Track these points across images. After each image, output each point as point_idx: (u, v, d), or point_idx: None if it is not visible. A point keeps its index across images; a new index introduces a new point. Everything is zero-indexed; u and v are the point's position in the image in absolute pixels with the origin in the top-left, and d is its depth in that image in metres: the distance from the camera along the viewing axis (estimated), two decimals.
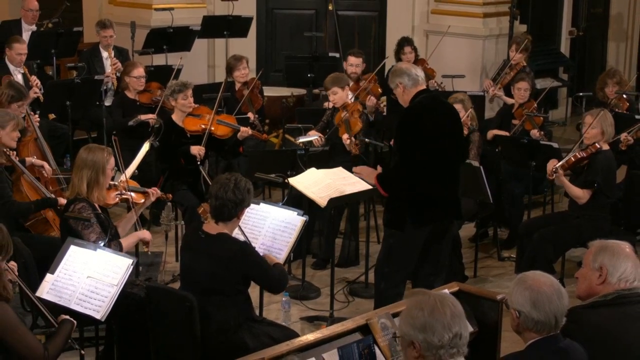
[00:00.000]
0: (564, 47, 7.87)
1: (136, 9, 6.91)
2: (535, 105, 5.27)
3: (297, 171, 4.40)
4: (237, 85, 5.70)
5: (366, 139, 5.02)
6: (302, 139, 4.81)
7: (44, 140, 4.65)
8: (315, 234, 4.80)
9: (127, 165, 4.04)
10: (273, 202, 3.85)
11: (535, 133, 5.09)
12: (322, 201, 3.90)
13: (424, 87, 3.67)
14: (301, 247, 4.29)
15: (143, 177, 4.39)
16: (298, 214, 3.51)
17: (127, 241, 3.59)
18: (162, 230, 4.72)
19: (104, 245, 3.30)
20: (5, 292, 2.76)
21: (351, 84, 5.47)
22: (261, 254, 3.25)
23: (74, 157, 3.65)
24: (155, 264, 4.53)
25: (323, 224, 4.70)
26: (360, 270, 4.61)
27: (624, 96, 5.39)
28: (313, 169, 4.23)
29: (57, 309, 3.07)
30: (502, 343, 2.97)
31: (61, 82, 5.78)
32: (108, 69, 5.98)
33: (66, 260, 3.17)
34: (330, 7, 7.27)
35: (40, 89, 5.39)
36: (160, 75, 5.70)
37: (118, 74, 5.80)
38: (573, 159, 4.31)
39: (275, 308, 4.09)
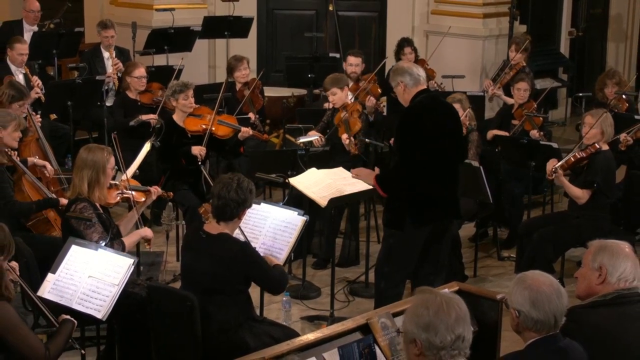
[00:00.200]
0: (564, 48, 7.88)
1: (137, 9, 6.92)
2: (535, 105, 5.28)
3: (298, 171, 4.41)
4: (238, 86, 5.71)
5: (366, 139, 5.03)
6: (302, 139, 4.82)
7: (46, 141, 4.66)
8: (316, 233, 4.81)
9: (128, 165, 4.05)
10: (274, 202, 3.87)
11: (534, 133, 5.10)
12: (323, 201, 3.91)
13: (425, 87, 3.68)
14: (302, 246, 4.29)
15: (144, 177, 4.40)
16: (298, 214, 3.52)
17: (129, 239, 3.60)
18: (163, 230, 4.73)
19: (105, 244, 3.31)
20: (7, 292, 2.77)
21: (351, 84, 5.48)
22: (261, 255, 3.26)
23: (75, 157, 3.66)
24: (156, 264, 4.54)
25: (323, 223, 4.71)
26: (361, 270, 4.62)
27: (624, 97, 5.40)
28: (313, 169, 4.24)
29: (58, 309, 3.08)
30: (501, 342, 2.97)
31: (62, 83, 5.79)
32: (109, 69, 5.99)
33: (67, 260, 3.18)
34: (330, 8, 7.27)
35: (41, 89, 5.40)
36: (161, 75, 5.72)
37: (119, 74, 5.81)
38: (573, 159, 4.32)
39: (276, 308, 4.10)
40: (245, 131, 4.97)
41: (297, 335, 3.00)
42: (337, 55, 6.39)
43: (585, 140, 4.35)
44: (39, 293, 3.14)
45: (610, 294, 2.47)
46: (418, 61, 6.12)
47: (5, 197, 3.93)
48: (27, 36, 6.13)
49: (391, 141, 4.07)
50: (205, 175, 4.77)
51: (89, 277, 3.10)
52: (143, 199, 3.86)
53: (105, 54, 6.08)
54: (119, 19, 6.45)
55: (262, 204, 3.59)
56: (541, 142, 4.79)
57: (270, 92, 6.18)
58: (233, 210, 3.08)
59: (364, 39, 7.33)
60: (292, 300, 4.04)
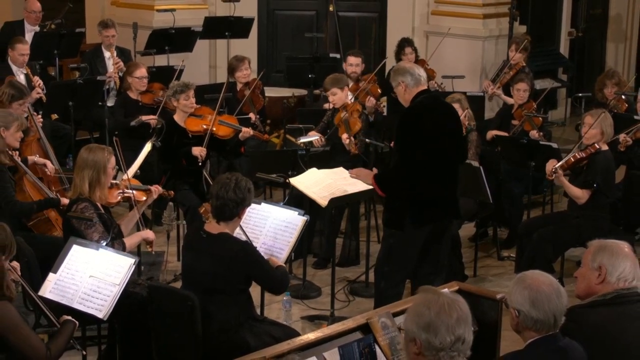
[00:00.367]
0: (563, 48, 7.89)
1: (138, 10, 6.93)
2: (535, 105, 5.29)
3: (298, 171, 4.42)
4: (239, 86, 5.72)
5: (366, 139, 5.05)
6: (302, 139, 4.83)
7: (47, 141, 4.67)
8: (316, 233, 4.82)
9: (129, 165, 4.06)
10: (274, 202, 3.87)
11: (534, 133, 5.11)
12: (323, 201, 3.92)
13: (426, 87, 3.69)
14: (302, 246, 4.30)
15: (145, 177, 4.41)
16: (299, 214, 3.52)
17: (130, 240, 3.61)
18: (164, 230, 4.73)
19: (106, 244, 3.32)
20: (8, 292, 2.77)
21: (351, 84, 5.49)
22: (264, 255, 3.27)
23: (76, 157, 3.67)
24: (157, 264, 4.55)
25: (324, 223, 4.72)
26: (361, 270, 4.62)
27: (623, 97, 5.41)
28: (314, 169, 4.25)
29: (59, 308, 3.09)
30: (501, 342, 2.97)
31: (64, 83, 5.80)
32: (110, 69, 6.00)
33: (69, 260, 3.18)
34: (330, 8, 7.28)
35: (42, 90, 5.41)
36: (162, 75, 5.72)
37: (120, 74, 5.82)
38: (572, 159, 4.33)
39: (277, 307, 4.11)
40: (246, 131, 4.98)
41: (297, 334, 3.01)
42: (338, 56, 6.41)
43: (584, 141, 4.36)
44: (40, 293, 3.14)
45: (609, 293, 2.47)
46: (418, 61, 6.13)
47: (7, 197, 3.94)
48: (29, 36, 6.14)
49: (392, 144, 4.08)
50: (206, 176, 4.79)
51: (90, 277, 3.11)
52: (144, 198, 3.87)
53: (107, 54, 6.09)
54: (120, 20, 6.46)
55: (263, 204, 3.60)
56: (541, 142, 4.79)
57: (270, 92, 6.19)
58: (232, 210, 3.09)
59: (364, 40, 7.34)
60: (293, 300, 4.05)
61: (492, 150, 5.20)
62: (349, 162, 4.68)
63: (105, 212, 3.58)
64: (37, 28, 6.41)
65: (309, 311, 4.21)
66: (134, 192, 3.80)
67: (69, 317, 2.91)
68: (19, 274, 3.01)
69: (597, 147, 4.28)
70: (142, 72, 5.49)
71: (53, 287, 3.15)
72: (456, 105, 4.52)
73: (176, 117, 4.86)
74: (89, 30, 6.92)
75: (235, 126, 4.97)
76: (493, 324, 2.95)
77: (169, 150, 4.75)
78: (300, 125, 5.18)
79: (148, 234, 3.67)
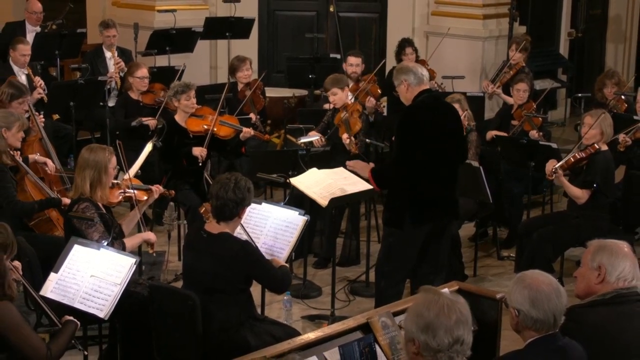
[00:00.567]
0: (563, 49, 7.90)
1: (139, 10, 6.94)
2: (534, 106, 5.30)
3: (299, 171, 4.43)
4: (240, 86, 5.73)
5: (367, 139, 5.06)
6: (303, 139, 4.84)
7: (49, 141, 4.68)
8: (317, 233, 4.83)
9: (130, 166, 4.07)
10: (275, 202, 3.88)
11: (534, 134, 5.12)
12: (324, 201, 3.93)
13: (428, 87, 3.70)
14: (302, 246, 4.31)
15: (146, 177, 4.42)
16: (299, 214, 3.53)
17: (131, 241, 3.62)
18: (164, 229, 4.75)
19: (107, 244, 3.33)
20: (10, 291, 2.78)
21: (351, 84, 5.50)
22: (266, 256, 3.27)
23: (78, 157, 3.68)
24: (158, 263, 4.56)
25: (324, 223, 4.73)
26: (361, 270, 4.63)
27: (623, 97, 5.42)
28: (314, 169, 4.26)
29: (61, 308, 3.10)
30: (501, 341, 2.99)
31: (65, 83, 5.80)
32: (111, 69, 6.01)
33: (70, 259, 3.19)
34: (331, 9, 7.29)
35: (44, 90, 5.42)
36: (163, 76, 5.73)
37: (122, 74, 5.83)
38: (572, 160, 4.34)
39: (277, 307, 4.12)
40: (247, 131, 4.99)
41: (298, 334, 3.02)
42: (338, 56, 6.42)
43: (584, 141, 4.37)
44: (42, 292, 3.15)
45: (609, 293, 2.48)
46: (418, 62, 6.13)
47: (8, 197, 3.95)
48: (30, 37, 6.16)
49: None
50: (206, 176, 4.80)
51: (91, 277, 3.12)
52: (145, 198, 3.88)
53: (108, 54, 6.10)
54: (121, 20, 6.47)
55: (264, 204, 3.61)
56: (540, 143, 4.80)
57: (271, 92, 6.20)
58: (232, 210, 3.10)
59: (364, 40, 7.35)
60: (293, 300, 4.06)
61: (492, 151, 5.20)
62: None
63: (106, 212, 3.59)
64: (39, 28, 6.42)
65: (309, 311, 4.22)
66: (135, 191, 3.81)
67: (71, 318, 2.92)
68: (21, 273, 3.02)
69: (597, 147, 4.29)
70: (143, 72, 5.50)
71: (54, 287, 3.16)
72: (456, 106, 4.52)
73: (177, 118, 4.87)
74: (90, 30, 6.93)
75: (236, 126, 4.98)
76: (493, 323, 2.96)
77: (170, 151, 4.77)
78: (301, 126, 5.19)
79: (149, 235, 3.67)
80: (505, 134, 5.27)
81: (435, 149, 3.61)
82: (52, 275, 3.19)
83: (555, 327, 2.30)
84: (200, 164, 4.76)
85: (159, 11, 6.83)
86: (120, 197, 3.80)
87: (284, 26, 7.43)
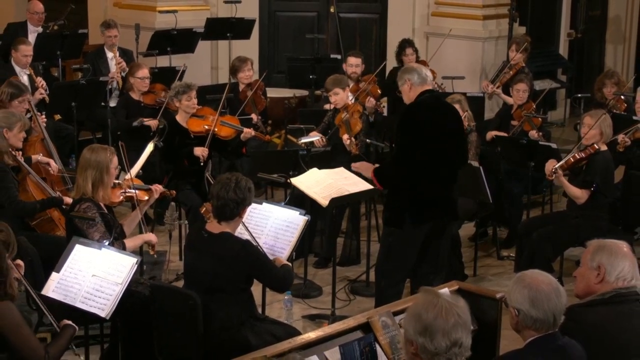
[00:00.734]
0: (563, 49, 7.91)
1: (140, 11, 6.95)
2: (534, 106, 5.31)
3: (299, 171, 4.44)
4: (241, 87, 5.74)
5: (367, 140, 5.07)
6: (304, 140, 4.85)
7: (50, 141, 4.69)
8: (317, 233, 4.84)
9: (132, 166, 4.08)
10: (275, 202, 3.90)
11: (533, 134, 5.13)
12: (324, 201, 3.95)
13: (430, 87, 3.72)
14: (303, 246, 4.32)
15: (147, 177, 4.43)
16: (300, 214, 3.54)
17: (132, 242, 3.63)
18: (166, 229, 4.77)
19: (108, 244, 3.34)
20: (11, 290, 2.78)
21: (351, 84, 5.51)
22: (269, 256, 3.28)
23: (79, 157, 3.70)
24: (159, 263, 4.57)
25: (325, 223, 4.74)
26: (362, 269, 4.65)
27: (622, 97, 5.43)
28: (315, 169, 4.27)
29: (62, 308, 3.11)
30: (501, 341, 3.00)
31: (66, 84, 5.81)
32: (113, 69, 6.02)
33: (71, 259, 3.20)
34: (331, 10, 7.31)
35: (45, 90, 5.43)
36: (164, 76, 5.74)
37: (123, 74, 5.85)
38: (572, 160, 4.35)
39: (278, 306, 4.13)
40: (248, 132, 5.00)
41: (298, 333, 3.03)
42: (339, 57, 6.42)
43: (584, 141, 4.38)
44: (43, 292, 3.16)
45: (608, 292, 2.48)
46: (419, 62, 6.15)
47: (10, 197, 3.96)
48: (32, 37, 6.17)
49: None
50: (207, 176, 4.81)
51: (93, 276, 3.12)
52: (146, 198, 3.89)
53: (109, 55, 6.12)
54: (122, 21, 6.48)
55: (264, 204, 3.62)
56: (540, 143, 4.81)
57: (272, 93, 6.20)
58: (233, 210, 3.11)
59: (364, 41, 7.36)
60: (294, 299, 4.07)
61: (492, 151, 5.22)
62: (350, 162, 4.69)
63: (108, 211, 3.61)
64: (40, 29, 6.44)
65: (310, 310, 4.24)
66: (137, 192, 3.82)
67: (69, 322, 2.92)
68: (22, 273, 3.02)
69: (597, 147, 4.30)
70: (144, 72, 5.51)
71: (56, 287, 3.16)
72: (457, 106, 4.54)
73: (178, 118, 4.89)
74: (91, 31, 6.94)
75: (237, 127, 5.00)
76: (493, 323, 2.97)
77: (171, 151, 4.78)
78: (302, 126, 5.20)
79: (150, 236, 3.68)
80: (505, 134, 5.28)
81: (435, 149, 3.62)
82: (54, 274, 3.20)
83: (554, 327, 2.31)
84: (202, 164, 4.78)
85: (160, 12, 6.84)
86: (122, 197, 3.82)
87: (285, 27, 7.44)
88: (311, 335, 2.67)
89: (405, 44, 6.21)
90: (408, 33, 6.91)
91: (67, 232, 3.60)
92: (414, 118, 3.64)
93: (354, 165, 3.91)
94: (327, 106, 5.41)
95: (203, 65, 7.01)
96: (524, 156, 4.80)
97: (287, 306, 3.97)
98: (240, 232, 3.26)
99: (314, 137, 4.96)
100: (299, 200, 4.37)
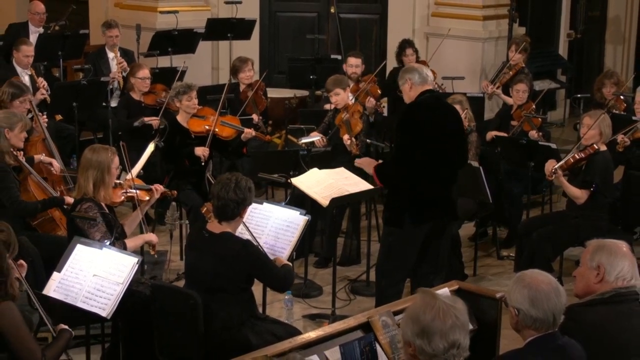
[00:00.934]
0: (562, 50, 7.92)
1: (141, 11, 6.96)
2: (534, 106, 5.32)
3: (300, 171, 4.45)
4: (242, 87, 5.75)
5: (367, 140, 5.08)
6: (304, 140, 4.86)
7: (52, 141, 4.70)
8: (318, 233, 4.85)
9: (132, 166, 4.09)
10: (276, 202, 3.90)
11: (533, 134, 5.14)
12: (324, 201, 3.96)
13: (431, 87, 3.73)
14: (303, 246, 4.33)
15: (148, 177, 4.43)
16: (300, 214, 3.55)
17: (133, 242, 3.63)
18: (167, 229, 4.78)
19: (109, 244, 3.35)
20: (12, 290, 2.79)
21: (351, 85, 5.52)
22: (269, 256, 3.29)
23: (81, 157, 3.70)
24: (160, 263, 4.58)
25: (325, 223, 4.75)
26: (362, 269, 4.66)
27: (622, 97, 5.43)
28: (315, 169, 4.28)
29: (64, 307, 3.12)
30: (501, 340, 3.01)
31: (68, 84, 5.82)
32: (114, 69, 6.03)
33: (73, 259, 3.21)
34: (332, 10, 7.32)
35: (47, 91, 5.44)
36: (165, 77, 5.75)
37: (124, 74, 5.86)
38: (572, 160, 4.36)
39: (278, 306, 4.14)
40: (248, 132, 5.00)
41: (299, 333, 3.04)
42: (339, 57, 6.43)
43: (583, 141, 4.38)
44: (45, 292, 3.17)
45: (608, 292, 2.49)
46: (419, 62, 6.16)
47: (12, 197, 3.96)
48: (33, 38, 6.18)
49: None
50: (208, 176, 4.82)
51: (94, 276, 3.13)
52: (147, 198, 3.90)
53: (110, 55, 6.12)
54: (123, 21, 6.49)
55: (265, 204, 3.63)
56: (540, 143, 4.82)
57: (272, 93, 6.21)
58: (233, 210, 3.12)
59: (365, 41, 7.37)
60: (294, 299, 4.07)
61: (491, 151, 5.22)
62: (350, 162, 4.71)
63: (109, 211, 3.62)
64: (41, 30, 6.45)
65: (310, 310, 4.24)
66: (137, 192, 3.83)
67: (66, 327, 2.92)
68: (24, 274, 3.03)
69: (596, 147, 4.31)
70: (144, 72, 5.52)
71: (57, 286, 3.17)
72: (458, 107, 4.55)
73: (179, 118, 4.89)
74: (92, 31, 6.95)
75: (238, 127, 5.00)
76: (493, 322, 2.97)
77: (172, 151, 4.79)
78: (302, 126, 5.21)
79: (151, 237, 3.69)
80: (505, 134, 5.29)
81: (435, 149, 3.63)
82: (55, 274, 3.21)
83: (554, 326, 2.31)
84: (203, 164, 4.79)
85: (161, 12, 6.85)
86: (123, 197, 3.82)
87: (285, 27, 7.45)
88: (311, 334, 2.68)
89: (406, 44, 6.22)
90: (408, 33, 6.92)
91: (69, 232, 3.61)
92: (414, 118, 3.65)
93: (357, 161, 3.92)
94: (327, 106, 5.42)
95: (204, 65, 7.02)
96: (523, 156, 4.81)
97: (288, 306, 3.97)
98: (241, 232, 3.27)
99: (315, 137, 4.97)
100: (299, 200, 4.38)
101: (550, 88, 7.09)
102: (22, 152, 4.22)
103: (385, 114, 5.95)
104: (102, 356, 3.48)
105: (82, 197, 3.56)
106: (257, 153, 5.16)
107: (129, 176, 3.85)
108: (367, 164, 3.83)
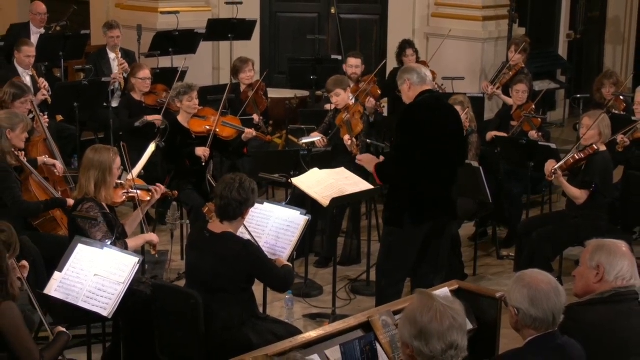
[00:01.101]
0: (562, 50, 7.93)
1: (142, 12, 6.97)
2: (534, 106, 5.33)
3: (300, 171, 4.46)
4: (243, 87, 5.76)
5: (368, 140, 5.09)
6: (305, 140, 4.87)
7: (53, 141, 4.72)
8: (318, 232, 4.86)
9: (133, 166, 4.10)
10: (277, 202, 3.91)
11: (533, 134, 5.15)
12: (325, 201, 3.97)
13: (430, 87, 3.73)
14: (304, 245, 4.34)
15: (149, 177, 4.44)
16: (301, 214, 3.56)
17: (134, 242, 3.63)
18: (168, 229, 4.78)
19: (110, 244, 3.36)
20: (13, 290, 2.80)
21: (351, 85, 5.54)
22: (269, 256, 3.30)
23: (82, 158, 3.71)
24: (161, 263, 4.59)
25: (325, 223, 4.76)
26: (362, 269, 4.66)
27: (621, 97, 5.44)
28: (316, 169, 4.29)
29: (65, 306, 3.13)
30: (501, 340, 3.01)
31: (69, 84, 5.84)
32: (115, 70, 6.04)
33: (74, 259, 3.22)
34: (332, 11, 7.33)
35: (48, 91, 5.44)
36: (165, 77, 5.75)
37: (125, 75, 5.87)
38: (571, 160, 4.37)
39: (279, 306, 4.14)
40: (249, 132, 5.01)
41: (299, 332, 3.05)
42: (339, 57, 6.44)
43: (583, 142, 4.39)
44: (46, 291, 3.18)
45: (607, 292, 2.50)
46: (419, 63, 6.17)
47: (14, 197, 3.97)
48: (34, 39, 6.19)
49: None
50: (208, 177, 4.83)
51: (95, 276, 3.14)
52: (148, 198, 3.91)
53: (111, 55, 6.13)
54: (124, 22, 6.50)
55: (265, 204, 3.64)
56: (540, 143, 4.83)
57: (273, 93, 6.22)
58: (236, 210, 3.13)
59: (365, 42, 7.38)
60: (295, 298, 4.08)
61: (491, 151, 5.23)
62: (351, 162, 4.71)
63: (110, 211, 3.63)
64: (43, 30, 6.46)
65: (310, 309, 4.25)
66: (138, 192, 3.84)
67: (64, 330, 2.93)
68: (26, 275, 3.03)
69: (596, 148, 4.32)
70: (145, 73, 5.53)
71: (58, 286, 3.18)
72: (458, 107, 4.56)
73: (180, 118, 4.90)
74: (93, 32, 6.97)
75: (238, 127, 5.02)
76: (492, 322, 2.98)
77: (173, 151, 4.80)
78: (303, 126, 5.22)
79: (151, 237, 3.69)
80: (504, 135, 5.30)
81: (435, 149, 3.64)
82: (56, 274, 3.22)
83: (554, 326, 2.32)
84: (203, 164, 4.80)
85: (162, 13, 6.87)
86: (124, 197, 3.83)
87: (286, 28, 7.46)
88: (312, 334, 2.69)
89: (406, 44, 6.23)
90: (408, 34, 6.93)
91: (70, 232, 3.62)
92: (413, 118, 3.66)
93: (358, 157, 3.93)
94: (327, 106, 5.43)
95: (204, 66, 7.03)
96: (523, 156, 4.82)
97: (288, 305, 3.98)
98: (241, 232, 3.28)
99: (315, 138, 4.98)
100: (299, 200, 4.39)
101: (549, 88, 7.10)
102: (23, 153, 4.23)
103: (385, 114, 5.96)
104: (103, 356, 3.48)
105: (84, 197, 3.57)
106: (257, 153, 5.17)
107: (129, 176, 3.86)
108: (368, 161, 3.84)
